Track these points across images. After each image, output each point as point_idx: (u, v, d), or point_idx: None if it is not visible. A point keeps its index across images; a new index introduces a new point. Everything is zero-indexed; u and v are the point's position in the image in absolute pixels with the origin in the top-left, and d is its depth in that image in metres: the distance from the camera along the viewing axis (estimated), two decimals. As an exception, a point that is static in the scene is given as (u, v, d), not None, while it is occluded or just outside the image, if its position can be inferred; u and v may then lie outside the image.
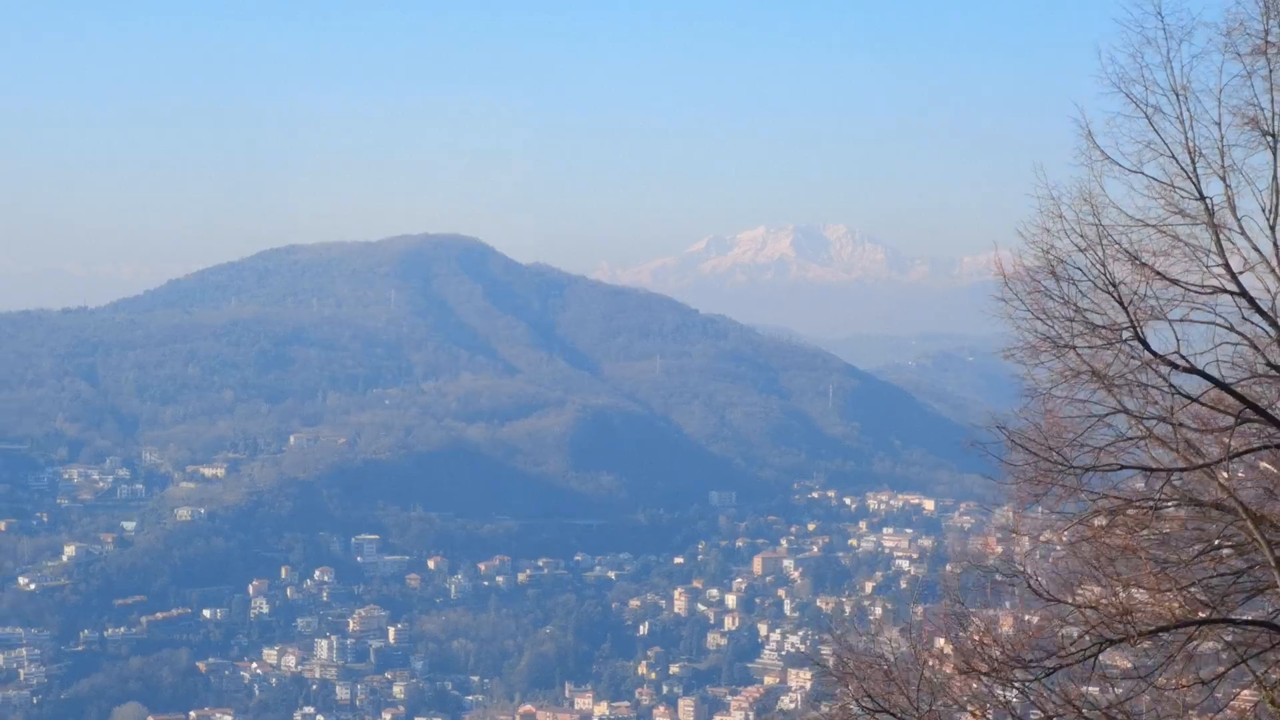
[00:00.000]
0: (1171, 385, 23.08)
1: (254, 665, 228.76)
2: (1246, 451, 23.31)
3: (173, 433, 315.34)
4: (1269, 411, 22.42)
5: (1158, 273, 22.76)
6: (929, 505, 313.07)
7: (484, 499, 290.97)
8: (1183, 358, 22.70)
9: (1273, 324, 22.30)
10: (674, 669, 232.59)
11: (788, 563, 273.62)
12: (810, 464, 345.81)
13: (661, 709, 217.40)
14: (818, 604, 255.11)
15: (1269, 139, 22.12)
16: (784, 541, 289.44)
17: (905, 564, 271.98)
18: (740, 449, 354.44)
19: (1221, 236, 22.48)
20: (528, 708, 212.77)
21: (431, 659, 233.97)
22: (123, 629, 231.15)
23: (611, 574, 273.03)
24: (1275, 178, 22.02)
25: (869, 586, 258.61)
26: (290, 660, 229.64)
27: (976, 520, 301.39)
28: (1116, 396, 23.52)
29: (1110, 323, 22.87)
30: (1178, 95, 22.55)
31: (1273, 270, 22.12)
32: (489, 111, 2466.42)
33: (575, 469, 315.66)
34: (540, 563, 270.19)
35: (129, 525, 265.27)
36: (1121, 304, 22.71)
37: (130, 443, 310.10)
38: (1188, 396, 23.09)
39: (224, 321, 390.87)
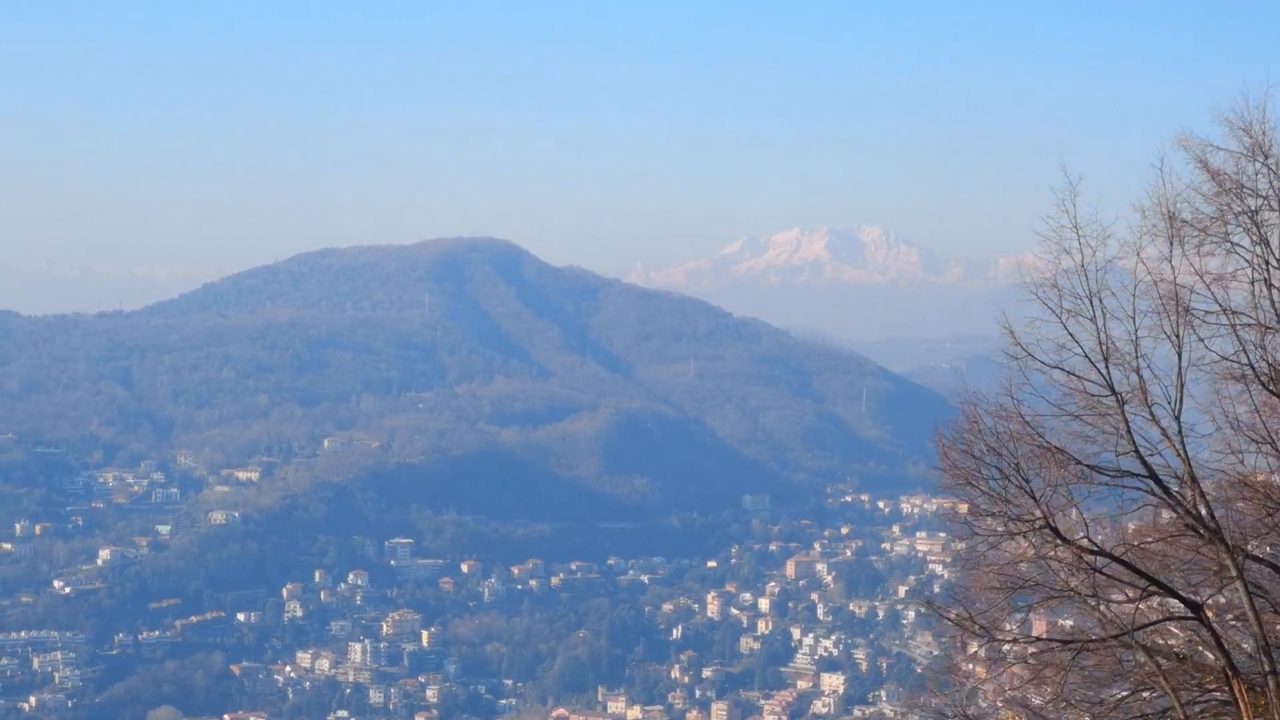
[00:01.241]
0: (1085, 563, 25.23)
1: (288, 669, 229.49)
2: (1149, 625, 25.63)
3: (207, 436, 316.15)
4: (1170, 585, 24.91)
5: (1075, 460, 25.33)
6: (963, 508, 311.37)
7: (517, 502, 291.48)
8: (1090, 541, 25.21)
9: (1178, 503, 24.72)
10: (706, 673, 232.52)
11: (820, 566, 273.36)
12: (843, 467, 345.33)
13: (694, 713, 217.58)
14: (851, 608, 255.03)
15: (1175, 339, 25.13)
16: (817, 545, 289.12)
17: (939, 568, 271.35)
18: (773, 452, 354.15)
19: (1131, 423, 25.12)
20: (560, 711, 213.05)
21: (465, 662, 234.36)
22: (157, 632, 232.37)
23: (644, 578, 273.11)
24: (1179, 370, 24.92)
25: (902, 590, 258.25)
26: (324, 664, 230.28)
27: (1010, 525, 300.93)
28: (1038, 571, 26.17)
29: (1028, 513, 25.19)
30: (1091, 300, 26.04)
31: (1176, 450, 24.76)
32: (523, 114, 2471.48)
33: (608, 472, 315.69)
34: (573, 566, 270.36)
35: (163, 529, 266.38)
36: (1034, 499, 25.10)
37: (165, 446, 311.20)
38: (1101, 572, 25.33)
39: (259, 325, 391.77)
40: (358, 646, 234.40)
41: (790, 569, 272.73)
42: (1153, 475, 24.84)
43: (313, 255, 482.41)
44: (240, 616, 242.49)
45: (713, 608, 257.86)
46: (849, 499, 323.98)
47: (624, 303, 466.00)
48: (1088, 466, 25.21)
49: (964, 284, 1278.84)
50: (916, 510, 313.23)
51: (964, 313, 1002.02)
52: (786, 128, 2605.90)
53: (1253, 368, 25.14)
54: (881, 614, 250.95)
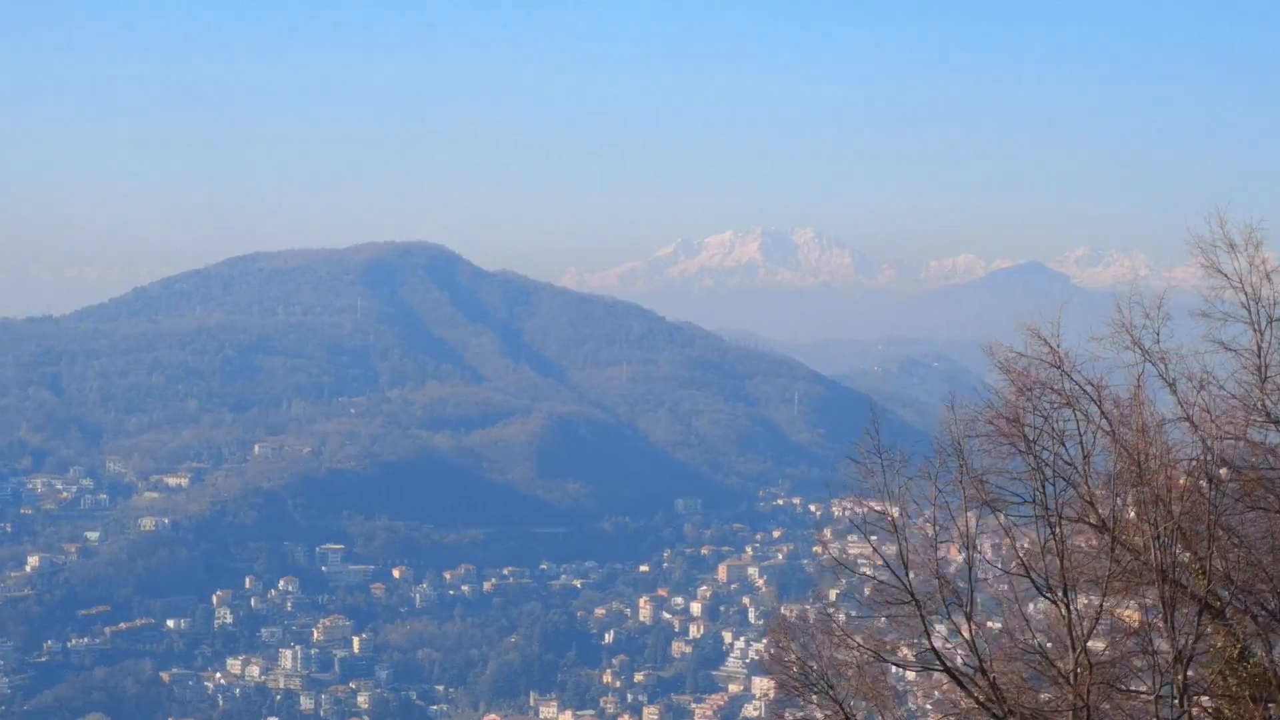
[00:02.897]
0: None
1: (218, 675, 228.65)
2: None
3: (137, 442, 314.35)
4: None
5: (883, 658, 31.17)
6: (894, 511, 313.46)
7: (450, 508, 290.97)
8: None
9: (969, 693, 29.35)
10: (638, 677, 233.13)
11: (752, 570, 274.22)
12: (775, 471, 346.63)
13: (626, 717, 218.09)
14: (782, 611, 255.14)
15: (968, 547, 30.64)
16: (749, 549, 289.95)
17: (869, 570, 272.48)
18: (706, 456, 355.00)
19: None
20: (492, 717, 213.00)
21: (396, 668, 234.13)
22: (86, 639, 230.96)
23: (577, 582, 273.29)
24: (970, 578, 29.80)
25: (833, 594, 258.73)
26: (254, 670, 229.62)
27: (940, 527, 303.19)
28: None
29: None
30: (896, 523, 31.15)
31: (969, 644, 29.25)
32: (455, 118, 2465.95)
33: (541, 477, 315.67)
34: (506, 571, 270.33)
35: (93, 535, 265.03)
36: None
37: (94, 452, 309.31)
38: None
39: (189, 330, 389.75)
40: (288, 653, 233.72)
41: (722, 572, 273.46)
42: (948, 670, 29.11)
43: (244, 259, 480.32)
44: (170, 623, 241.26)
45: (645, 612, 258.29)
46: (781, 502, 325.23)
47: (557, 307, 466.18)
48: (895, 663, 29.83)
49: (895, 286, 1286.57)
50: (847, 513, 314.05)
51: (895, 315, 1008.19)
52: (720, 130, 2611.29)
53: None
54: (812, 617, 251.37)
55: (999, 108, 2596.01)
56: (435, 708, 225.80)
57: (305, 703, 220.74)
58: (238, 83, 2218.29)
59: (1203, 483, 28.24)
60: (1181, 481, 28.02)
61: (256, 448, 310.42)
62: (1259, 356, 29.66)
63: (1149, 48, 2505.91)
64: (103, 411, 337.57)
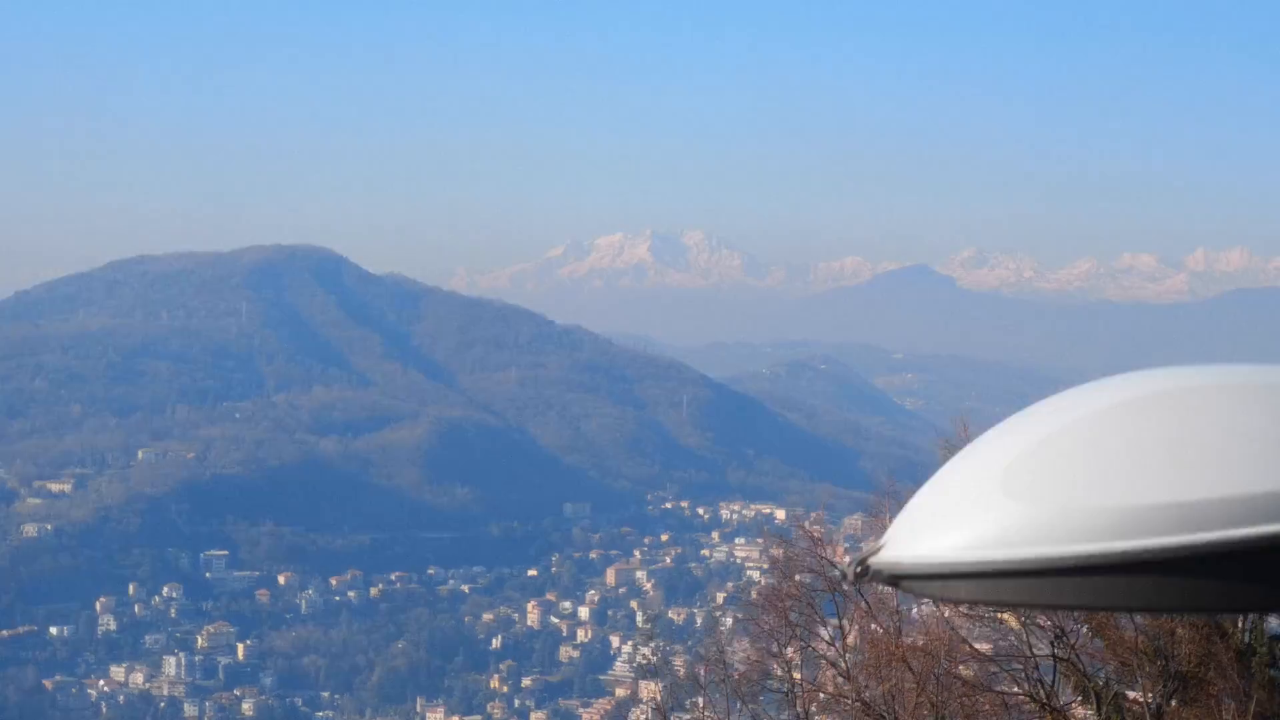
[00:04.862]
0: None
1: (101, 683, 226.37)
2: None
3: (18, 448, 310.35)
4: None
5: None
6: (781, 515, 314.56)
7: (336, 513, 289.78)
8: None
9: None
10: (526, 682, 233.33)
11: (640, 574, 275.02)
12: (664, 474, 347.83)
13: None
14: (670, 615, 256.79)
15: None
16: (637, 553, 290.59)
17: (756, 574, 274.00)
18: (594, 460, 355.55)
19: None
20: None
21: (281, 675, 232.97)
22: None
23: (465, 587, 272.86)
24: None
25: (720, 597, 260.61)
26: (138, 677, 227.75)
27: (827, 530, 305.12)
28: None
29: None
30: None
31: None
32: (341, 120, 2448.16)
33: (429, 481, 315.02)
34: (393, 576, 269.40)
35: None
36: None
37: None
38: None
39: (72, 334, 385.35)
40: (172, 660, 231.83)
41: (610, 577, 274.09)
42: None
43: (128, 262, 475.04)
44: (53, 630, 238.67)
45: (533, 616, 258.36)
46: (669, 506, 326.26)
47: (446, 310, 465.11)
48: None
49: (784, 288, 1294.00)
50: (735, 516, 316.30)
51: (784, 317, 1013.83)
52: (610, 131, 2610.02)
53: None
54: (700, 620, 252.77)
55: (885, 111, 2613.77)
56: (321, 714, 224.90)
57: (189, 710, 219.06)
58: (118, 83, 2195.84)
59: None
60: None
61: (140, 453, 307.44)
62: None
63: (1027, 52, 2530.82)
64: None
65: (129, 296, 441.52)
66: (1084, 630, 33.01)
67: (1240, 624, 32.46)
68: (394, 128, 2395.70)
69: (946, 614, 33.98)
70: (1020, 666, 33.19)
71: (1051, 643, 32.66)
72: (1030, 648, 32.82)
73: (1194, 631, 31.75)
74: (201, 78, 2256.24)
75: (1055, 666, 32.96)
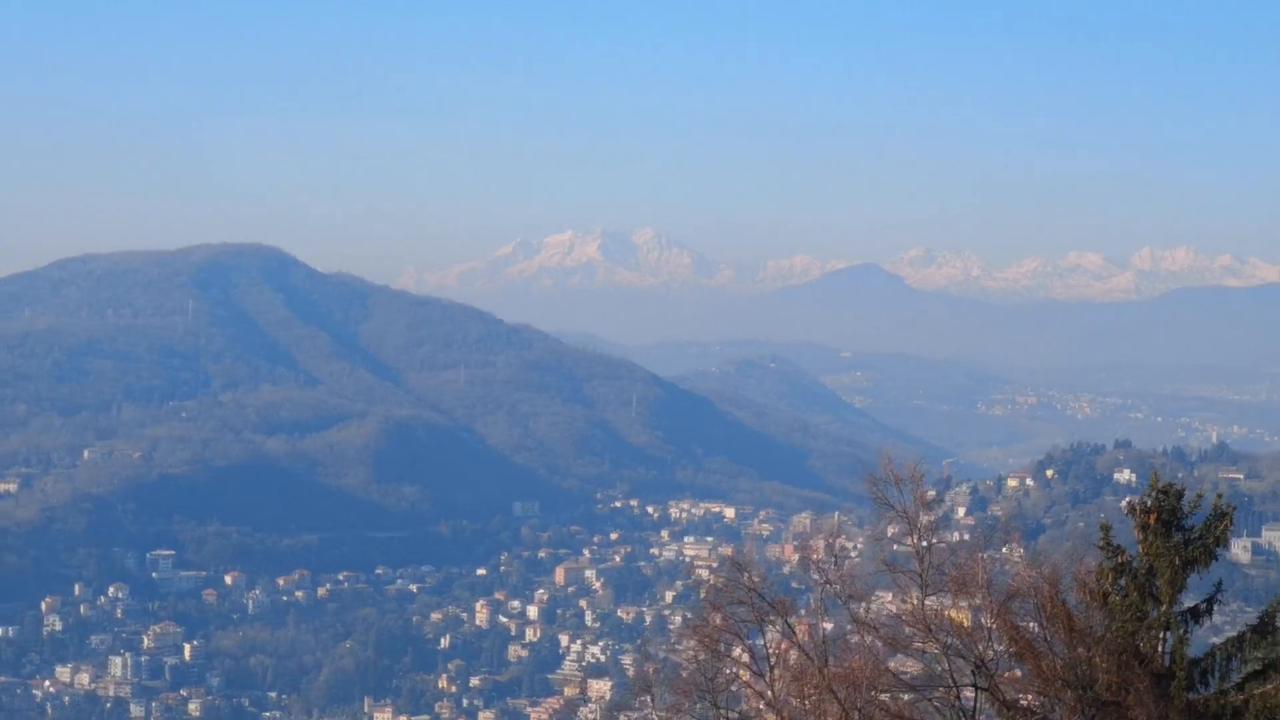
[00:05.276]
0: None
1: (47, 684, 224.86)
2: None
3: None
4: None
5: None
6: (729, 513, 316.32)
7: (283, 513, 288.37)
8: None
9: None
10: (474, 682, 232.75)
11: (589, 573, 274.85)
12: (613, 473, 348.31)
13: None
14: (619, 614, 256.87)
15: None
16: (586, 551, 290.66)
17: (705, 572, 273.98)
18: (544, 459, 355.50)
19: None
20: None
21: (228, 675, 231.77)
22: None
23: (413, 587, 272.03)
24: None
25: (669, 595, 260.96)
26: (84, 678, 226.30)
27: (775, 528, 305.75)
28: None
29: None
30: None
31: None
32: (289, 117, 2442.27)
33: (377, 481, 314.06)
34: (340, 576, 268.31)
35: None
36: None
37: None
38: None
39: (17, 332, 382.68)
40: (118, 660, 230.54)
41: (559, 576, 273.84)
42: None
43: (73, 261, 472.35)
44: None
45: (481, 616, 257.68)
46: (618, 505, 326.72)
47: (394, 309, 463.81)
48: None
49: (733, 287, 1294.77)
50: (685, 515, 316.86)
51: (733, 316, 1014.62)
52: (560, 130, 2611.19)
53: None
54: (649, 619, 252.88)
55: (834, 111, 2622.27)
56: (268, 715, 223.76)
57: (135, 710, 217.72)
58: (64, 81, 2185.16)
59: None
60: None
61: (86, 453, 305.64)
62: (921, 575, 34.42)
63: (976, 53, 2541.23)
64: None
65: (75, 295, 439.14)
66: (1005, 658, 33.51)
67: (1160, 648, 32.77)
68: (343, 126, 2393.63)
69: (869, 640, 34.91)
70: (943, 694, 33.67)
71: (973, 671, 32.96)
72: (953, 676, 33.16)
73: (1112, 658, 32.17)
74: (148, 76, 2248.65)
75: (976, 696, 33.37)
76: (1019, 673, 33.65)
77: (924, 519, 35.52)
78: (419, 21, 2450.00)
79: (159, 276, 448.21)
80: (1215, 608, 33.34)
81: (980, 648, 33.08)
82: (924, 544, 35.05)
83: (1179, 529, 32.87)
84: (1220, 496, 33.35)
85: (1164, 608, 32.76)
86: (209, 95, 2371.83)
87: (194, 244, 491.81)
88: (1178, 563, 32.49)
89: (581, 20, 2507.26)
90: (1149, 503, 32.77)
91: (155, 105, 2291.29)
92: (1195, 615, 33.12)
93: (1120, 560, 32.86)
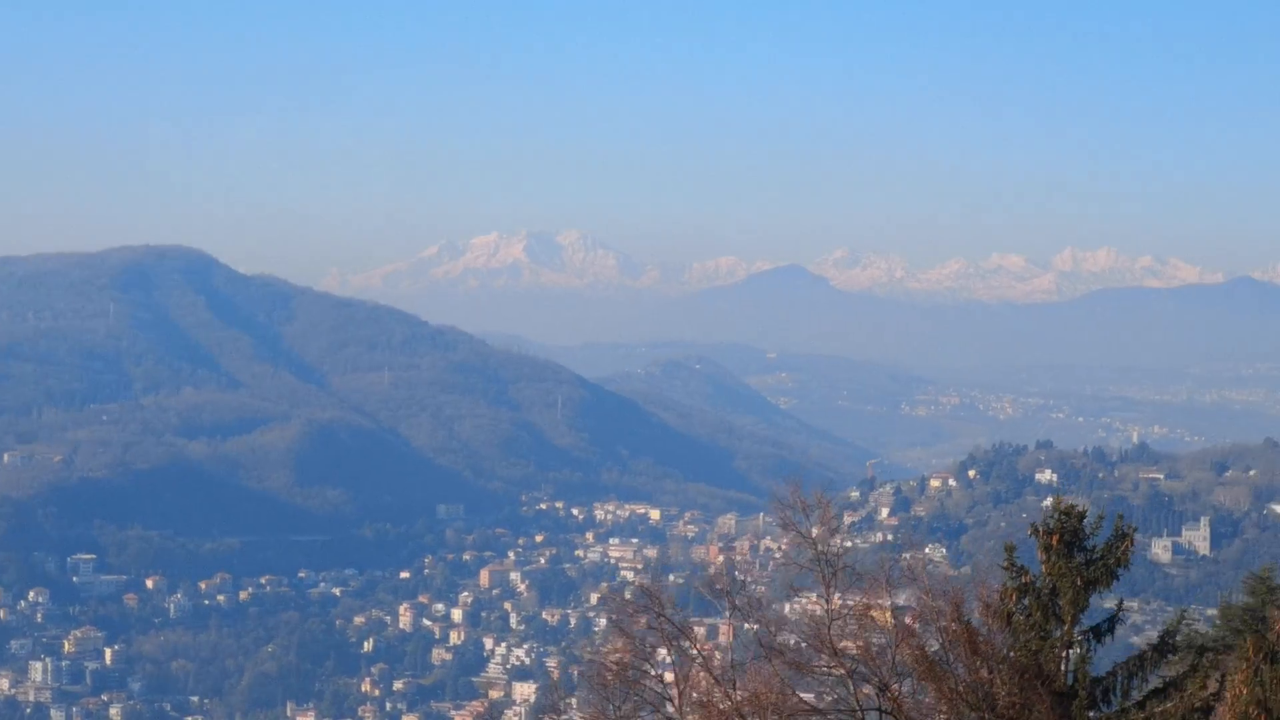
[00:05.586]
0: None
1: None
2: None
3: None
4: None
5: None
6: (655, 515, 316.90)
7: (205, 516, 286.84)
8: None
9: None
10: (398, 685, 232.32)
11: (514, 575, 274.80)
12: (539, 475, 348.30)
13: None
14: (544, 616, 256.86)
15: None
16: (511, 554, 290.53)
17: (630, 574, 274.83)
18: (469, 461, 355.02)
19: None
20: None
21: (149, 680, 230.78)
22: None
23: (336, 590, 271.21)
24: None
25: (594, 598, 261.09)
26: (3, 683, 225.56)
27: (700, 529, 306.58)
28: None
29: None
30: None
31: None
32: (211, 118, 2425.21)
33: (300, 484, 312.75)
34: (263, 580, 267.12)
35: None
36: None
37: None
38: None
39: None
40: (38, 665, 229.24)
41: (484, 578, 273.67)
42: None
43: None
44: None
45: (405, 619, 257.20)
46: (543, 507, 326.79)
47: (317, 311, 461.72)
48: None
49: (659, 288, 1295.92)
50: (610, 517, 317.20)
51: (659, 317, 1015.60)
52: (485, 131, 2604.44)
53: None
54: (574, 621, 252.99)
55: (759, 112, 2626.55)
56: (189, 719, 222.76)
57: (56, 715, 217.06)
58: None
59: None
60: None
61: (5, 456, 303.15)
62: (827, 600, 34.77)
63: (896, 53, 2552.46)
64: None
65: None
66: (910, 677, 34.19)
67: (1062, 667, 33.45)
68: (266, 127, 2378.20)
69: (775, 664, 35.33)
70: (848, 717, 34.20)
71: (877, 694, 33.52)
72: (858, 700, 33.65)
73: (1015, 677, 32.82)
74: (69, 76, 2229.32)
75: (881, 719, 34.01)
76: (922, 695, 34.32)
77: (834, 540, 35.91)
78: (342, 23, 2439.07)
79: (80, 279, 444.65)
80: (1117, 627, 34.35)
81: (884, 671, 33.56)
82: (830, 570, 35.20)
83: (1081, 549, 33.70)
84: (1121, 517, 34.17)
85: (1066, 627, 33.50)
86: (130, 96, 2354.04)
87: (116, 246, 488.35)
88: (1079, 583, 33.23)
89: (502, 22, 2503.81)
90: (1051, 524, 33.53)
91: (77, 106, 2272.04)
92: (1098, 634, 33.90)
93: (1024, 580, 33.65)
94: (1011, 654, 32.95)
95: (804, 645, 34.88)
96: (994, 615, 33.45)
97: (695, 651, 35.66)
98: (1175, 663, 34.19)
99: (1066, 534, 33.42)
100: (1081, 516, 33.68)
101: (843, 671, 33.89)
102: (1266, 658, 33.06)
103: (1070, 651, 33.45)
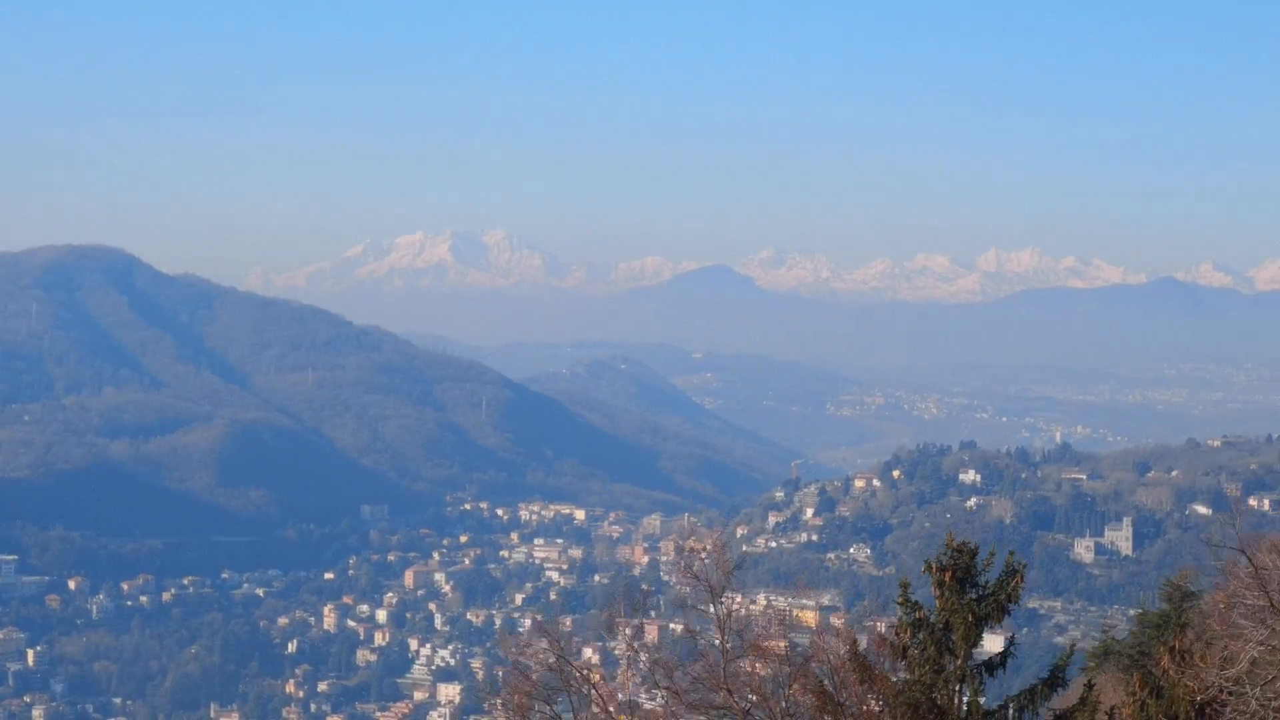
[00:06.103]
0: None
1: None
2: None
3: None
4: None
5: None
6: (580, 515, 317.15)
7: (127, 517, 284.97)
8: None
9: None
10: (322, 686, 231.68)
11: (439, 576, 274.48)
12: (463, 476, 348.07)
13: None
14: (468, 617, 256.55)
15: None
16: (436, 554, 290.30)
17: (555, 575, 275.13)
18: (393, 462, 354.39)
19: None
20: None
21: (72, 681, 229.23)
22: None
23: (260, 591, 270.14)
24: None
25: (519, 598, 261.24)
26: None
27: (625, 530, 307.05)
28: None
29: None
30: None
31: None
32: (134, 116, 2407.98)
33: (223, 485, 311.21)
34: (186, 581, 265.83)
35: None
36: None
37: None
38: None
39: None
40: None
41: (409, 579, 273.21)
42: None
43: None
44: None
45: (329, 620, 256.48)
46: (468, 507, 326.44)
47: (241, 311, 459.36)
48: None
49: (584, 288, 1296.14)
50: (535, 517, 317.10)
51: (584, 317, 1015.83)
52: (410, 130, 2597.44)
53: None
54: (499, 622, 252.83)
55: (684, 112, 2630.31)
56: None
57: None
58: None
59: None
60: None
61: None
62: (722, 642, 35.35)
63: (821, 52, 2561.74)
64: None
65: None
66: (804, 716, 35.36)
67: (956, 700, 34.40)
68: (188, 127, 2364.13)
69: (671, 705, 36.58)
70: None
71: None
72: None
73: (910, 711, 33.84)
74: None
75: None
76: None
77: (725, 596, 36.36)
78: (264, 23, 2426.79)
79: (2, 278, 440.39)
80: (1009, 660, 35.11)
81: (778, 710, 34.35)
82: (725, 612, 35.64)
83: (973, 585, 34.56)
84: (1013, 554, 35.12)
85: (959, 661, 34.23)
86: (51, 96, 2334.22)
87: (38, 246, 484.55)
88: (971, 619, 34.01)
89: (427, 21, 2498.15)
90: (944, 560, 34.32)
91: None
92: (990, 668, 34.78)
93: (918, 616, 34.39)
94: (905, 688, 33.90)
95: (703, 683, 35.41)
96: (890, 649, 34.37)
97: (595, 695, 36.18)
98: (1065, 695, 35.26)
99: (959, 570, 34.37)
100: (974, 554, 34.55)
101: (739, 711, 34.53)
102: (1152, 692, 34.30)
103: (963, 685, 34.29)
